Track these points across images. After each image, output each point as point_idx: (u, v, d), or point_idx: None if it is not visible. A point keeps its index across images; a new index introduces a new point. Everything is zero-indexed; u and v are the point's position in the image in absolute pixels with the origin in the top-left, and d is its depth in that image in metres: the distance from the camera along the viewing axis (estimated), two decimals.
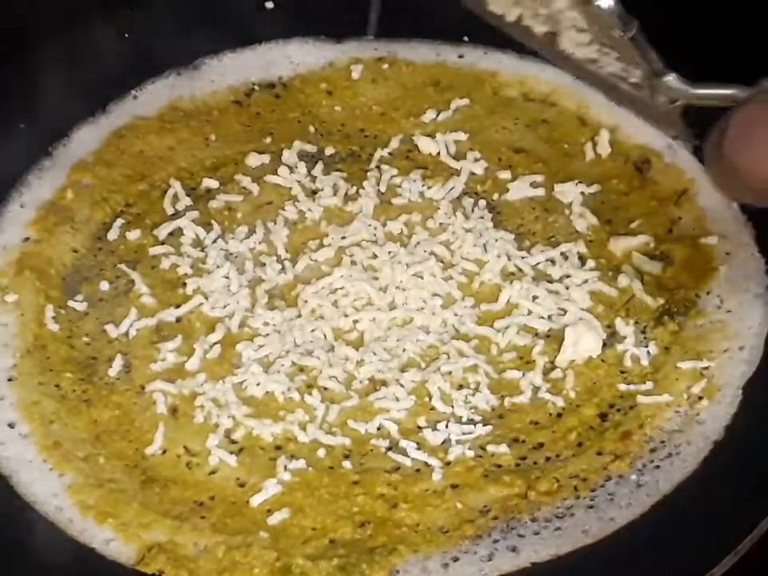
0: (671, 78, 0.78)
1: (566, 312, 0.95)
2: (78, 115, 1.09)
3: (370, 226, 1.01)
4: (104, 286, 0.98)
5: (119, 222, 1.03)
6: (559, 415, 0.90)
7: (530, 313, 0.95)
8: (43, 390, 0.91)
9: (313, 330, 0.95)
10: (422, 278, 0.97)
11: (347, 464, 0.87)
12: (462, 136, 1.08)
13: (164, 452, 0.88)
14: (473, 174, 1.05)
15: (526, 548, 0.82)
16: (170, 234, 1.02)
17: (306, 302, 0.96)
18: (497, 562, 0.81)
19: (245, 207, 1.04)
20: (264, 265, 0.99)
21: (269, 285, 0.98)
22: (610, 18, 0.76)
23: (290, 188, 1.05)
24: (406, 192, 1.04)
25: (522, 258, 0.99)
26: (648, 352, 0.93)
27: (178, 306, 0.97)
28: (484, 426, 0.89)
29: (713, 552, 0.80)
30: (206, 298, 0.97)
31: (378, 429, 0.89)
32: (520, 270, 0.98)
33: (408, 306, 0.96)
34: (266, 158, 1.07)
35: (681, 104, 0.79)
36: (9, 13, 1.15)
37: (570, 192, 1.03)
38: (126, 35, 1.14)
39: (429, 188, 1.04)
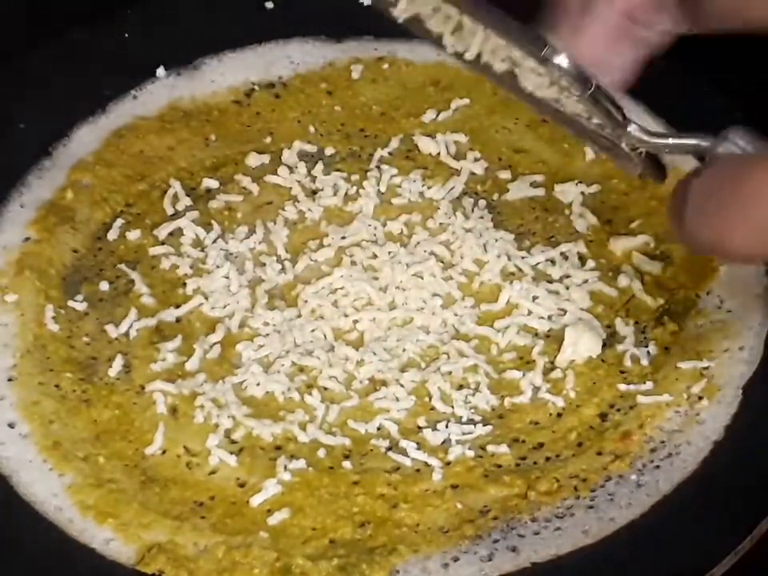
0: (631, 129, 0.78)
1: (565, 312, 0.95)
2: (78, 115, 1.09)
3: (369, 226, 1.01)
4: (104, 286, 0.98)
5: (119, 222, 1.03)
6: (559, 415, 0.90)
7: (530, 313, 0.95)
8: (43, 390, 0.91)
9: (313, 330, 0.95)
10: (422, 278, 0.97)
11: (347, 464, 0.87)
12: (462, 136, 1.08)
13: (164, 452, 0.88)
14: (473, 173, 1.05)
15: (525, 548, 0.82)
16: (170, 234, 1.02)
17: (306, 301, 0.96)
18: (497, 562, 0.81)
19: (245, 207, 1.04)
20: (264, 265, 0.99)
21: (269, 285, 0.98)
22: (565, 77, 0.75)
23: (290, 188, 1.05)
24: (405, 192, 1.04)
25: (522, 258, 0.99)
26: (648, 352, 0.93)
27: (177, 306, 0.96)
28: (484, 425, 0.89)
29: (713, 552, 0.80)
30: (206, 298, 0.97)
31: (378, 429, 0.89)
32: (520, 269, 0.98)
33: (408, 306, 0.96)
34: (265, 158, 1.07)
35: (643, 150, 0.79)
36: (8, 13, 1.15)
37: (570, 192, 1.03)
38: (126, 35, 1.14)
39: (429, 188, 1.04)
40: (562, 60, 0.75)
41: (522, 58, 0.77)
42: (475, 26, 0.78)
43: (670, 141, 0.79)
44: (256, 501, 0.85)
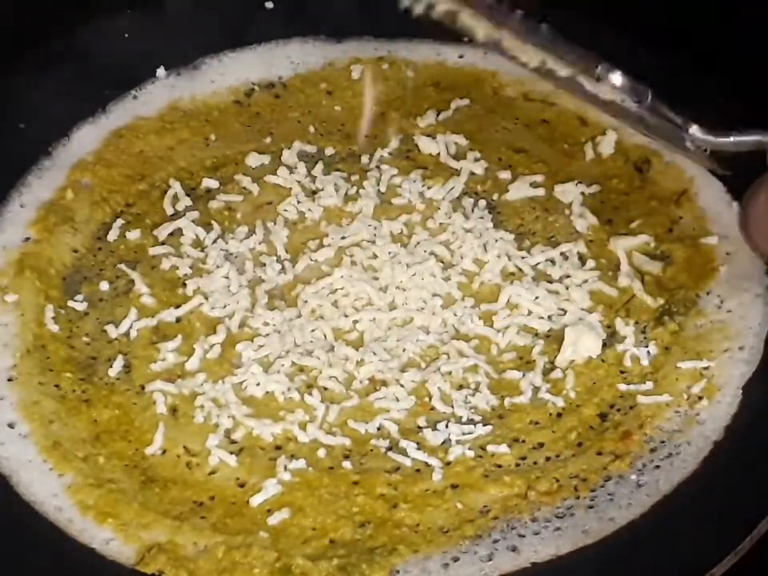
0: (693, 131, 0.80)
1: (566, 312, 0.95)
2: (78, 115, 1.09)
3: (369, 226, 1.01)
4: (104, 286, 0.98)
5: (119, 222, 1.03)
6: (559, 415, 0.90)
7: (530, 313, 0.95)
8: (43, 390, 0.91)
9: (313, 330, 0.95)
10: (422, 278, 0.97)
11: (347, 464, 0.87)
12: (462, 137, 1.08)
13: (164, 452, 0.88)
14: (473, 173, 1.05)
15: (525, 548, 0.82)
16: (170, 234, 1.02)
17: (306, 302, 0.96)
18: (497, 562, 0.81)
19: (245, 207, 1.04)
20: (264, 265, 0.99)
21: (269, 285, 0.98)
22: (622, 92, 0.77)
23: (290, 188, 1.05)
24: (405, 192, 1.04)
25: (522, 258, 0.99)
26: (648, 352, 0.93)
27: (177, 306, 0.97)
28: (484, 426, 0.89)
29: (713, 552, 0.80)
30: (206, 298, 0.97)
31: (378, 429, 0.89)
32: (520, 269, 0.98)
33: (408, 306, 0.96)
34: (265, 158, 1.07)
35: (707, 148, 0.81)
36: (9, 12, 1.15)
37: (570, 192, 1.03)
38: (126, 35, 1.14)
39: (429, 188, 1.04)
40: (616, 78, 0.77)
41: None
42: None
43: (732, 139, 0.80)
44: (256, 501, 0.85)
